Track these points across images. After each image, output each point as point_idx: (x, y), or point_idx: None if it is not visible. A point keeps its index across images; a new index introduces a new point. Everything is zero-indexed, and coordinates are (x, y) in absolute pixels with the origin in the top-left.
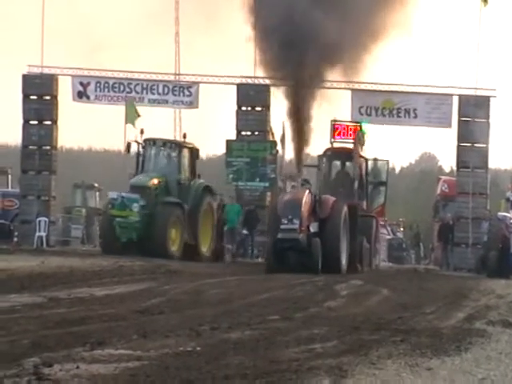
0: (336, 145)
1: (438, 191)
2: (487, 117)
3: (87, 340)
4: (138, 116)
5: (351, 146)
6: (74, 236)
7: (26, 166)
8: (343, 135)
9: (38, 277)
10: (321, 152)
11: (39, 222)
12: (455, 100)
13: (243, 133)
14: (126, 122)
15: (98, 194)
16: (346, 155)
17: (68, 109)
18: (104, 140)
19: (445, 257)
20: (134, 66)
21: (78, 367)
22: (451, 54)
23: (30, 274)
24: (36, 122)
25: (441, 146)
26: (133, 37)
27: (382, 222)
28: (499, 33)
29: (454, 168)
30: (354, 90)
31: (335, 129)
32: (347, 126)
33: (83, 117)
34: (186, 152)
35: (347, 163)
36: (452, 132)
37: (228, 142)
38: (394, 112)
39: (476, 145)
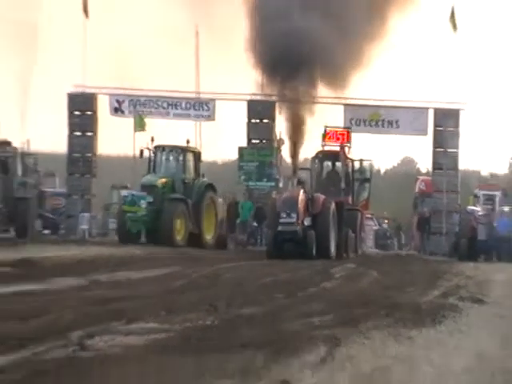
0: (326, 148)
1: (417, 189)
2: (457, 126)
3: (123, 316)
4: (144, 126)
5: (339, 148)
6: (111, 228)
7: (71, 170)
8: (333, 139)
9: (80, 263)
10: (313, 154)
11: (82, 216)
12: (431, 112)
13: (253, 141)
14: (135, 131)
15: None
16: (335, 157)
17: (106, 122)
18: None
19: (422, 244)
20: (161, 85)
21: (114, 339)
22: (428, 73)
23: (74, 260)
24: (79, 134)
25: (419, 151)
26: (159, 60)
27: (369, 215)
28: (469, 53)
29: (430, 169)
30: (346, 105)
31: (326, 134)
32: (336, 131)
33: (119, 129)
34: (189, 155)
35: (336, 163)
36: (428, 139)
37: (240, 148)
38: (380, 123)
39: (448, 150)
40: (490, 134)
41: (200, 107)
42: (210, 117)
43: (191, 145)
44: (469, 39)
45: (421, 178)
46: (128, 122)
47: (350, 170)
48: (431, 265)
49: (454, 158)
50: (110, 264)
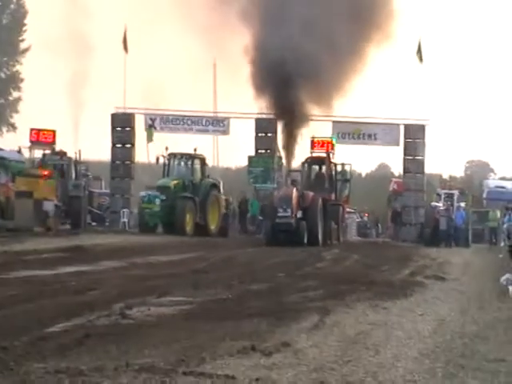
0: (314, 154)
1: (391, 188)
2: (423, 138)
3: (156, 291)
4: (152, 137)
5: (326, 155)
6: None
7: (114, 174)
8: (319, 147)
9: (122, 249)
10: (303, 160)
11: (123, 212)
12: (402, 127)
13: (259, 151)
14: (148, 142)
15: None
16: (321, 161)
17: (141, 136)
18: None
19: (395, 233)
20: (185, 106)
21: (149, 309)
22: (399, 95)
23: (116, 247)
24: (120, 145)
25: (392, 158)
26: (184, 85)
27: (352, 210)
28: (432, 80)
29: (401, 173)
30: (334, 122)
31: (313, 142)
32: (322, 141)
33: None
34: (197, 161)
35: (322, 167)
36: (400, 149)
37: (249, 157)
38: (361, 136)
39: (416, 157)
40: (449, 143)
41: (217, 124)
42: (225, 132)
43: (198, 152)
44: (432, 69)
45: (394, 179)
46: (160, 136)
47: (333, 172)
48: (402, 249)
49: (421, 163)
50: (146, 250)
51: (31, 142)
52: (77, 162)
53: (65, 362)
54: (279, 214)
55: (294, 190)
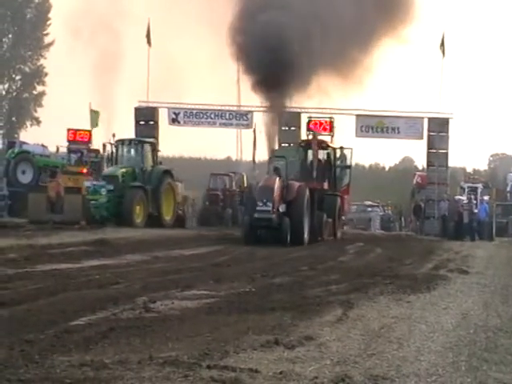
0: (310, 137)
1: (414, 182)
2: (447, 131)
3: (179, 284)
4: (97, 123)
5: (323, 137)
6: None
7: None
8: (316, 128)
9: (144, 242)
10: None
11: None
12: (425, 121)
13: (283, 144)
14: (92, 127)
15: (183, 185)
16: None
17: (165, 130)
18: (187, 150)
19: (418, 226)
20: (209, 100)
21: (172, 303)
22: (423, 89)
23: (139, 240)
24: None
25: (416, 151)
26: (208, 80)
27: (376, 203)
28: (457, 71)
29: (425, 166)
30: (357, 115)
31: (309, 122)
32: (320, 121)
33: (176, 135)
34: (147, 146)
35: (320, 151)
36: (423, 142)
37: (272, 150)
38: (385, 129)
39: (439, 151)
40: (473, 137)
41: (240, 117)
42: (249, 125)
43: (239, 151)
44: (456, 62)
45: (417, 173)
46: (184, 129)
47: (332, 157)
48: (425, 243)
49: (444, 157)
50: (169, 243)
51: (68, 141)
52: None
53: (89, 355)
54: (258, 208)
55: (277, 179)
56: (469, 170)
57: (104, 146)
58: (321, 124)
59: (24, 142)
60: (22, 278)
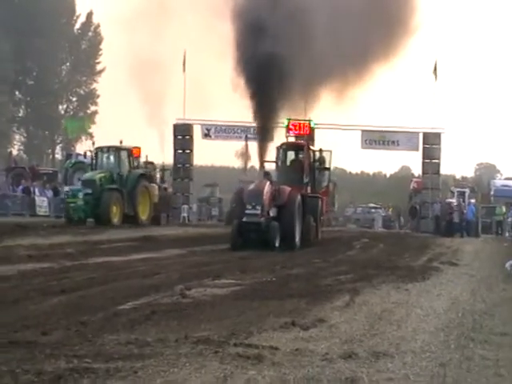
0: (290, 139)
1: (411, 187)
2: (439, 144)
3: (210, 274)
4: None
5: (301, 140)
6: (213, 215)
7: (176, 176)
8: (296, 130)
9: (182, 239)
10: (278, 145)
11: (183, 208)
12: (421, 135)
13: None
14: (70, 137)
15: (218, 189)
16: (297, 147)
17: (199, 143)
18: (218, 160)
19: (415, 225)
20: (236, 117)
21: (205, 290)
22: (418, 107)
23: (178, 237)
24: (181, 151)
25: (413, 161)
26: (236, 99)
27: (378, 205)
28: (448, 91)
29: (420, 173)
30: (362, 131)
31: (289, 126)
32: (299, 123)
33: (207, 147)
34: (123, 153)
35: (299, 153)
36: (419, 153)
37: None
38: (386, 142)
39: (433, 160)
40: (461, 148)
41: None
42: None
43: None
44: (446, 83)
45: (414, 179)
46: (215, 143)
47: (311, 159)
48: (421, 239)
49: (437, 165)
50: (204, 240)
51: None
52: (163, 169)
53: (134, 334)
54: (247, 212)
55: (267, 184)
56: (458, 176)
57: (85, 153)
58: (299, 126)
59: (79, 154)
60: (77, 270)
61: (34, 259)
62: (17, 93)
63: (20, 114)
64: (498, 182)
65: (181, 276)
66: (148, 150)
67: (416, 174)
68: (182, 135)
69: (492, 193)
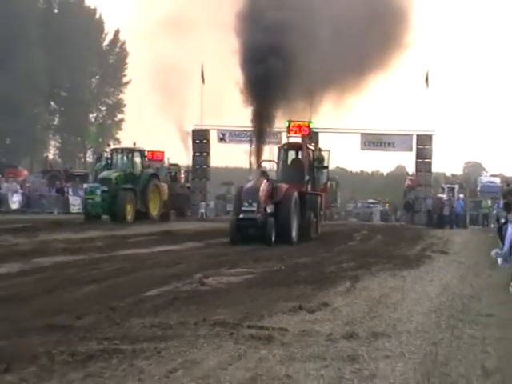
0: (291, 140)
1: (406, 184)
2: (431, 145)
3: (226, 264)
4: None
5: (301, 140)
6: (228, 210)
7: (194, 175)
8: (296, 132)
9: (200, 232)
10: (280, 145)
11: (201, 205)
12: (414, 137)
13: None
14: (89, 144)
15: (233, 187)
16: (297, 147)
17: (215, 146)
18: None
19: (409, 218)
20: (249, 123)
21: (221, 278)
22: (412, 111)
23: (196, 231)
24: (199, 154)
25: (407, 160)
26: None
27: (376, 201)
28: (439, 97)
29: (414, 172)
30: (361, 134)
31: (289, 127)
32: (299, 124)
33: (223, 150)
34: (136, 154)
35: (299, 153)
36: (413, 153)
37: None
38: (383, 144)
39: (425, 160)
40: (451, 149)
41: (272, 136)
42: (278, 142)
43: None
44: (437, 90)
45: (408, 177)
46: (229, 146)
47: (311, 158)
48: (415, 231)
49: (429, 164)
50: (219, 233)
51: (148, 159)
52: (188, 170)
53: (158, 318)
54: (244, 208)
55: (264, 182)
56: (448, 174)
57: (101, 154)
58: (300, 127)
59: (108, 158)
60: (106, 261)
61: (68, 252)
62: (52, 103)
63: (55, 122)
64: (484, 178)
65: (199, 266)
66: (171, 153)
67: (410, 173)
68: (200, 140)
69: (478, 188)
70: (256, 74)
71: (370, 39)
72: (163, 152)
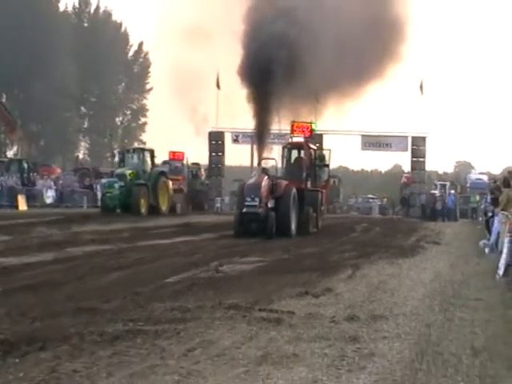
0: (294, 139)
1: (402, 181)
2: (424, 145)
3: (238, 253)
4: (116, 140)
5: (303, 140)
6: None
7: (210, 173)
8: (299, 132)
9: (216, 225)
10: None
11: (217, 199)
12: (409, 138)
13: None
14: (111, 142)
15: None
16: (300, 146)
17: (229, 147)
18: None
19: (405, 212)
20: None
21: (235, 266)
22: (408, 115)
23: (212, 224)
24: (214, 154)
25: (403, 159)
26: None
27: (375, 196)
28: (432, 102)
29: (410, 170)
30: (362, 135)
31: (293, 127)
32: (302, 125)
33: (236, 151)
34: (147, 153)
35: (301, 152)
36: (408, 153)
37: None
38: (381, 145)
39: (419, 159)
40: (443, 148)
41: (281, 138)
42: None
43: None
44: (429, 95)
45: (404, 175)
46: (242, 147)
47: (312, 156)
48: (410, 223)
49: (423, 163)
50: (230, 226)
51: (170, 159)
52: (206, 169)
53: (178, 302)
54: (246, 203)
55: (265, 178)
56: (440, 172)
57: (114, 153)
58: (303, 127)
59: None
60: (131, 250)
61: (96, 242)
62: (82, 108)
63: (85, 125)
64: (473, 176)
65: (214, 255)
66: (192, 153)
67: (406, 171)
68: (215, 141)
69: (468, 185)
70: (257, 78)
71: (369, 50)
72: (183, 152)
